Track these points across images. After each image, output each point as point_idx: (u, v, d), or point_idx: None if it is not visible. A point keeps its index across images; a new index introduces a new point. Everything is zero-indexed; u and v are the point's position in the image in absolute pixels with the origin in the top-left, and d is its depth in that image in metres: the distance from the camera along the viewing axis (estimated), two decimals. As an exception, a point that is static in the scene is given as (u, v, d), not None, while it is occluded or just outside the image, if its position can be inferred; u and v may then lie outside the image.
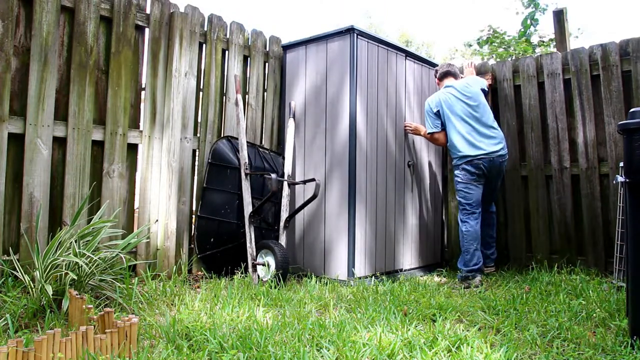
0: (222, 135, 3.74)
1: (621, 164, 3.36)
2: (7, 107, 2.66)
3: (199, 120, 3.65)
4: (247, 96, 3.93)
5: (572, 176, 3.87)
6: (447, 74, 3.87)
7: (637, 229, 1.97)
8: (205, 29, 3.65)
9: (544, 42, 6.40)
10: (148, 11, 3.33)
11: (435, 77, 3.99)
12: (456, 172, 3.67)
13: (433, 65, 4.39)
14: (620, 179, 2.05)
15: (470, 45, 7.70)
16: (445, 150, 4.50)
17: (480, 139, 3.58)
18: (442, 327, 2.14)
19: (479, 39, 7.34)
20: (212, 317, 2.26)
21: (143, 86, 3.37)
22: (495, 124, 3.70)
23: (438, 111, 3.72)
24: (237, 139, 3.69)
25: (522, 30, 6.36)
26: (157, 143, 3.32)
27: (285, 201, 3.62)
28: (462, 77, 3.91)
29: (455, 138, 3.63)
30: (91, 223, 2.60)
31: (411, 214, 4.05)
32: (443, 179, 4.50)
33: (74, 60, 2.95)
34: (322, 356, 1.80)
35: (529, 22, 6.31)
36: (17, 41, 2.77)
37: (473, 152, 3.56)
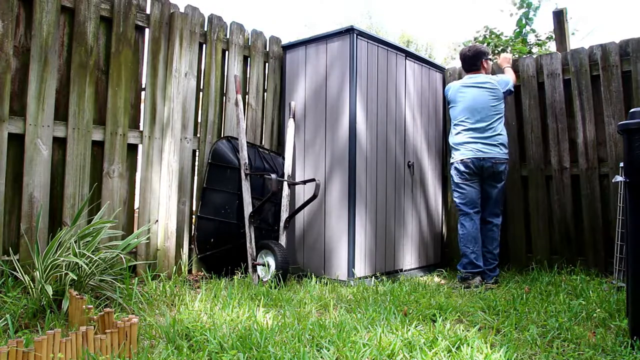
0: (222, 136, 3.74)
1: (621, 164, 3.36)
2: (7, 107, 2.66)
3: (199, 120, 3.65)
4: (247, 96, 3.93)
5: (572, 176, 3.87)
6: (472, 70, 3.79)
7: (637, 229, 1.97)
8: (205, 29, 3.65)
9: (541, 40, 6.39)
10: (148, 11, 3.33)
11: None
12: (451, 171, 3.66)
13: (433, 65, 4.39)
14: (620, 178, 2.05)
15: None
16: (445, 151, 4.50)
17: (477, 139, 3.56)
18: (442, 327, 2.14)
19: (474, 40, 7.34)
20: (212, 317, 2.26)
21: (143, 86, 3.37)
22: (498, 125, 3.58)
23: (450, 97, 3.72)
24: (237, 139, 3.69)
25: (518, 30, 6.37)
26: (157, 143, 3.32)
27: (285, 201, 3.62)
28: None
29: (456, 133, 3.63)
30: (91, 223, 2.60)
31: (411, 214, 4.05)
32: (443, 179, 4.50)
33: (74, 61, 2.95)
34: (322, 356, 1.80)
35: (524, 21, 6.32)
36: (17, 41, 2.77)
37: (467, 151, 3.55)
